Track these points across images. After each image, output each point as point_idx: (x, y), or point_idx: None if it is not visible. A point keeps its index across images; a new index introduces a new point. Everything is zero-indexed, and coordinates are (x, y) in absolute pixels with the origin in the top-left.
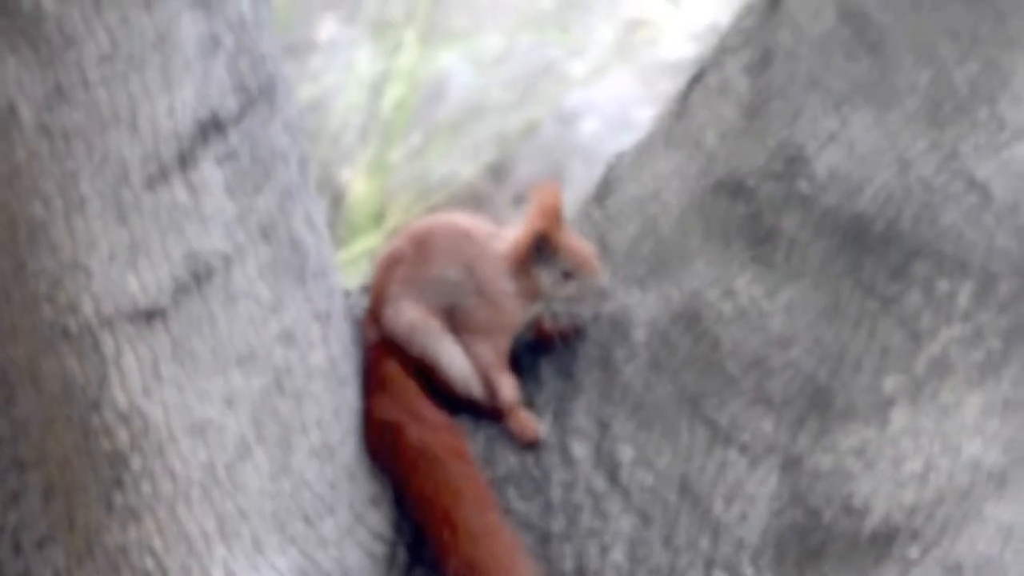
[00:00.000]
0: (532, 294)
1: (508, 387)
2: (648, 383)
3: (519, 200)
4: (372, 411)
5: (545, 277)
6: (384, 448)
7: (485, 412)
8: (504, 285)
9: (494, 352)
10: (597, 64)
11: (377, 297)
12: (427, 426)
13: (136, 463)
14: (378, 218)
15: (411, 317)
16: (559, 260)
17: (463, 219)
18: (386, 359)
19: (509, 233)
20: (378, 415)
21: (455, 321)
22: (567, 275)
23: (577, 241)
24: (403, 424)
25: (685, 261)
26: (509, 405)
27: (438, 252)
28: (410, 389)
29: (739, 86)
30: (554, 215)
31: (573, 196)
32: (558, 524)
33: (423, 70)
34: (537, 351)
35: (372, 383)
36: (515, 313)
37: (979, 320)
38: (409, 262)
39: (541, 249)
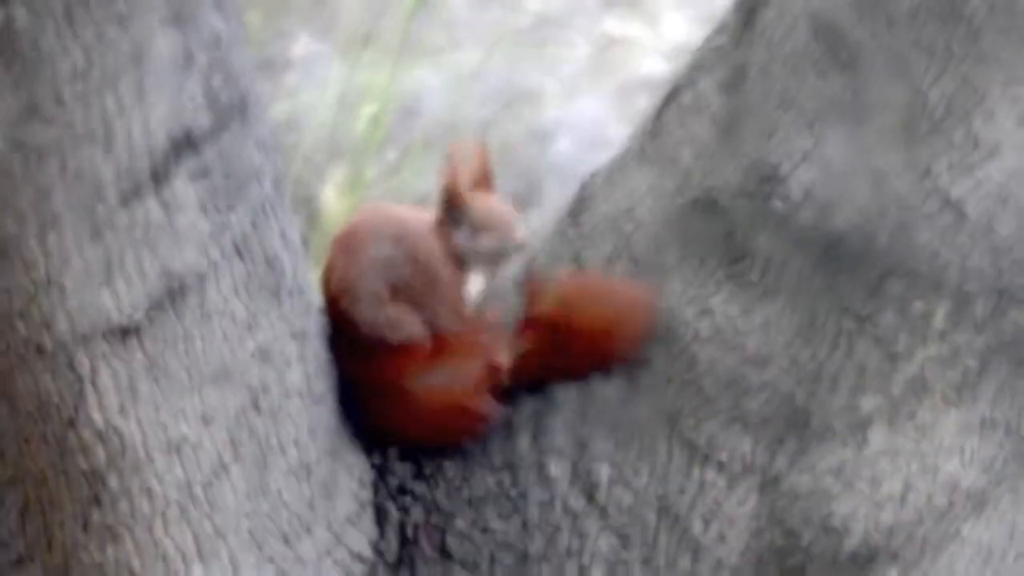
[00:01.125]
0: (456, 257)
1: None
2: (625, 402)
3: None
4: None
5: (457, 235)
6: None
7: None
8: (432, 247)
9: (441, 322)
10: (572, 82)
11: (338, 300)
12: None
13: (113, 481)
14: None
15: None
16: (467, 216)
17: (385, 205)
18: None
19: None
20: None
21: (401, 297)
22: (476, 230)
23: (488, 198)
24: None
25: (660, 279)
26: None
27: (363, 238)
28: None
29: (713, 104)
30: (457, 172)
31: (548, 214)
32: (536, 544)
33: (398, 87)
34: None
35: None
36: (451, 278)
37: (955, 340)
38: (339, 266)
39: (450, 208)
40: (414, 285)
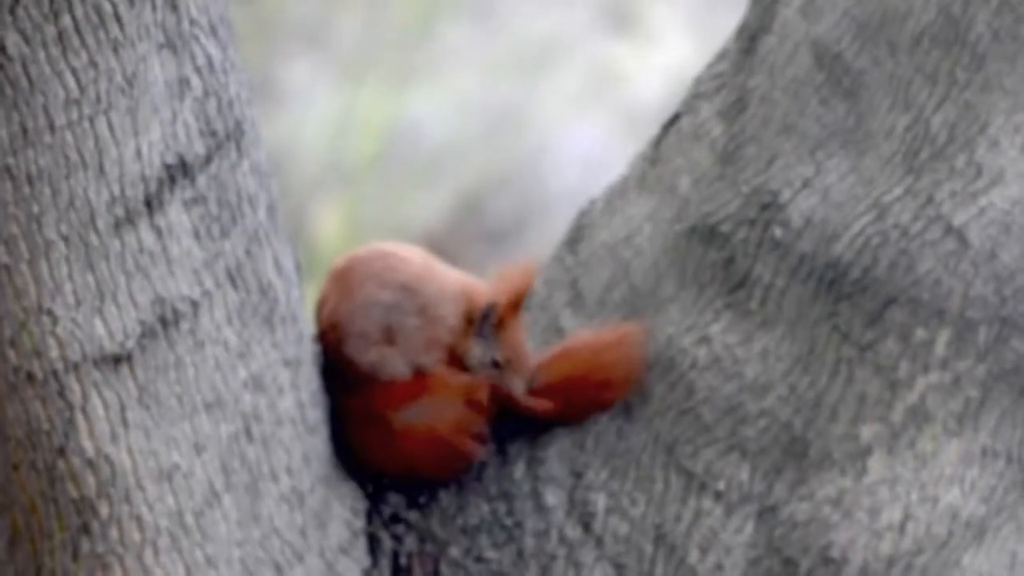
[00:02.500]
0: (459, 354)
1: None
2: (622, 430)
3: (492, 239)
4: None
5: (475, 350)
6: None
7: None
8: (447, 314)
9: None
10: (571, 107)
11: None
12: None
13: (103, 510)
14: None
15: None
16: (496, 345)
17: (390, 246)
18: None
19: (460, 273)
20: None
21: (396, 341)
22: (495, 364)
23: (520, 333)
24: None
25: (659, 307)
26: None
27: (362, 278)
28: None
29: (713, 131)
30: (517, 298)
31: (545, 240)
32: (531, 574)
33: (395, 112)
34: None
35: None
36: (444, 344)
37: (957, 368)
38: (332, 300)
39: (485, 321)
40: (416, 336)
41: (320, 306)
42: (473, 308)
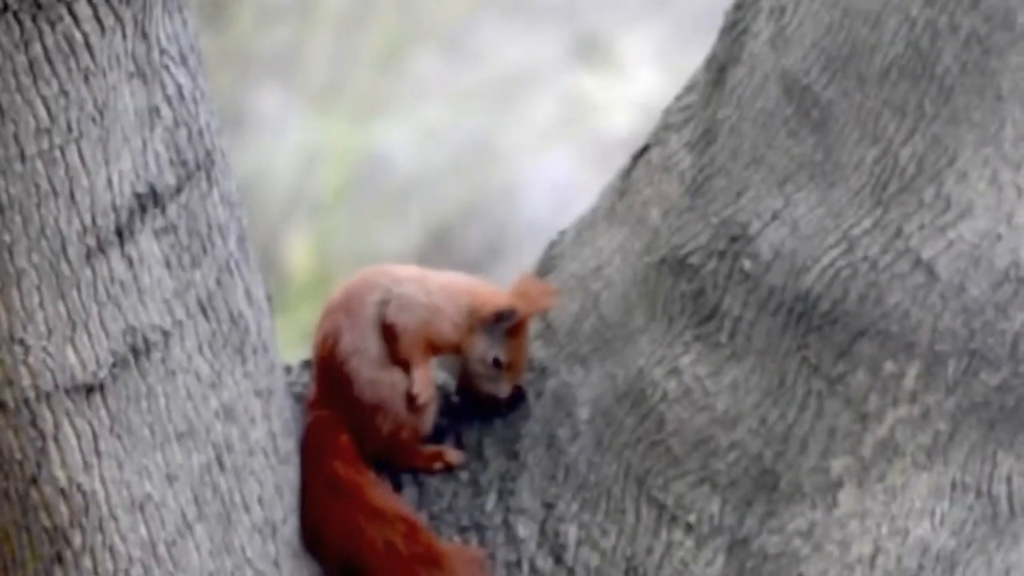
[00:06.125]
0: (462, 348)
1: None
2: (593, 463)
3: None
4: (326, 513)
5: (480, 346)
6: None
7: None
8: (448, 311)
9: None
10: (541, 138)
11: (335, 375)
12: (388, 526)
13: (76, 539)
14: (320, 292)
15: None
16: (503, 347)
17: (385, 266)
18: (331, 454)
19: (458, 275)
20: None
21: (387, 313)
22: (497, 364)
23: (528, 345)
24: (362, 525)
25: (629, 339)
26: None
27: (364, 299)
28: (363, 482)
29: (682, 163)
30: (535, 310)
31: (515, 271)
32: None
33: (364, 142)
34: (478, 415)
35: (320, 482)
36: (449, 337)
37: (926, 401)
38: (345, 326)
39: (498, 323)
40: (419, 333)
41: (328, 340)
42: (479, 305)
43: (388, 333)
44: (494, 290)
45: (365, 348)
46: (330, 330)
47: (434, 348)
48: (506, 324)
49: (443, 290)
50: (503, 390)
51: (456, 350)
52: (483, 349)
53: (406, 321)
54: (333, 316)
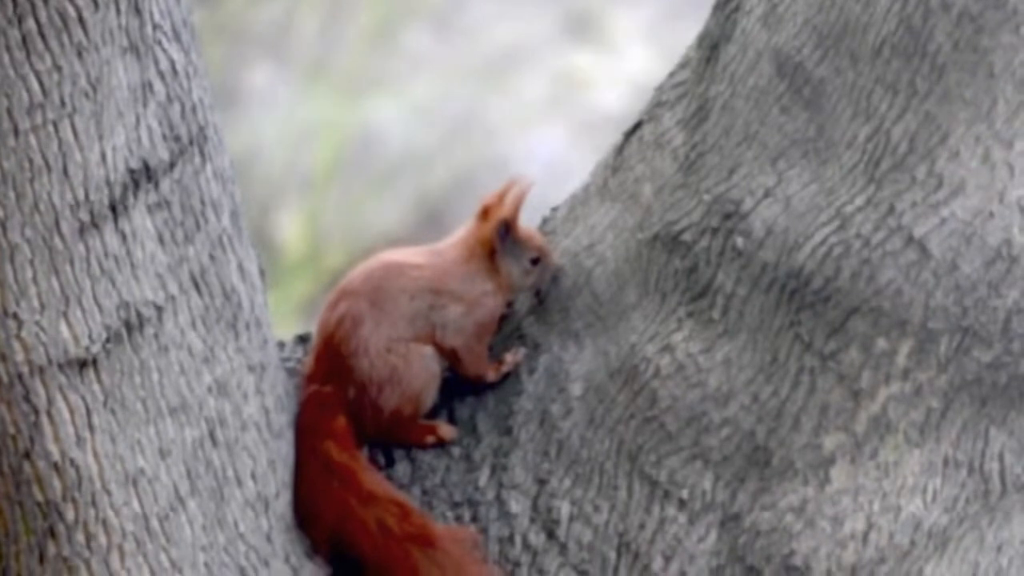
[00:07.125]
0: (505, 287)
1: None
2: (585, 439)
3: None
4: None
5: (514, 268)
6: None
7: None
8: (482, 286)
9: (483, 351)
10: (532, 115)
11: (346, 353)
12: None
13: (69, 513)
14: (312, 268)
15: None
16: (525, 249)
17: (395, 255)
18: (326, 435)
19: (451, 243)
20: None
21: (440, 336)
22: (534, 262)
23: (530, 229)
24: (352, 508)
25: (622, 315)
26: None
27: (394, 293)
28: (356, 467)
29: (675, 140)
30: (516, 202)
31: None
32: None
33: (356, 118)
34: (468, 391)
35: (314, 462)
36: (497, 309)
37: (918, 378)
38: (371, 316)
39: (504, 240)
40: (466, 324)
41: (342, 322)
42: (486, 243)
43: (451, 356)
44: (472, 231)
45: (396, 337)
46: (348, 313)
47: (493, 333)
48: (510, 235)
49: (458, 279)
50: (556, 271)
51: (508, 303)
52: (516, 265)
53: (464, 343)
54: (353, 300)
